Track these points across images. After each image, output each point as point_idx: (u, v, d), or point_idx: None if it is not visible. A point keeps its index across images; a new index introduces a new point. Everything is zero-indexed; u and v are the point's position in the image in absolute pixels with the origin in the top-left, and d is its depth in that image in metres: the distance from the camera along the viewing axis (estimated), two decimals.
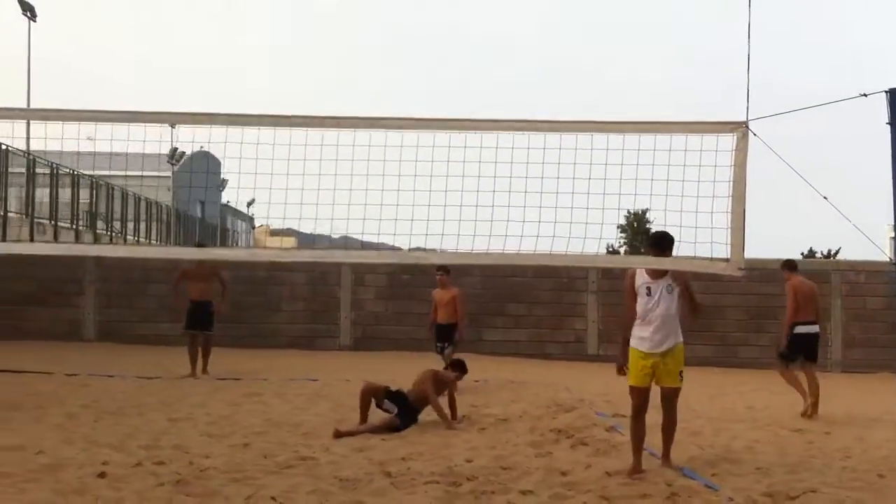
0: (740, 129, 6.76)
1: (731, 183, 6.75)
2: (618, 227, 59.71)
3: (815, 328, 12.15)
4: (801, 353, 11.99)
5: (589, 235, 6.89)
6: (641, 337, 7.52)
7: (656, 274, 7.50)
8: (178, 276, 15.26)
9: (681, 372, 7.60)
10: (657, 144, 6.85)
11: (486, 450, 8.69)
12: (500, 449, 8.75)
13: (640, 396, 7.54)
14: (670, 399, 7.65)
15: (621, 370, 7.74)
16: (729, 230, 6.78)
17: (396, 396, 10.07)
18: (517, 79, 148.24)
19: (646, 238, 7.86)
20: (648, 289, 7.49)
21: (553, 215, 6.87)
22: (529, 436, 9.37)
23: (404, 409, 9.98)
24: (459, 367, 11.00)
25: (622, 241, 63.83)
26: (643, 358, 7.49)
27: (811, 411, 11.59)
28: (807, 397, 11.73)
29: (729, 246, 6.79)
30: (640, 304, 7.52)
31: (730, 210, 6.77)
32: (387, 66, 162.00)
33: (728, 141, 6.81)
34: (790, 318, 12.02)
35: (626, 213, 59.39)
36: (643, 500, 6.53)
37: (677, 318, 7.56)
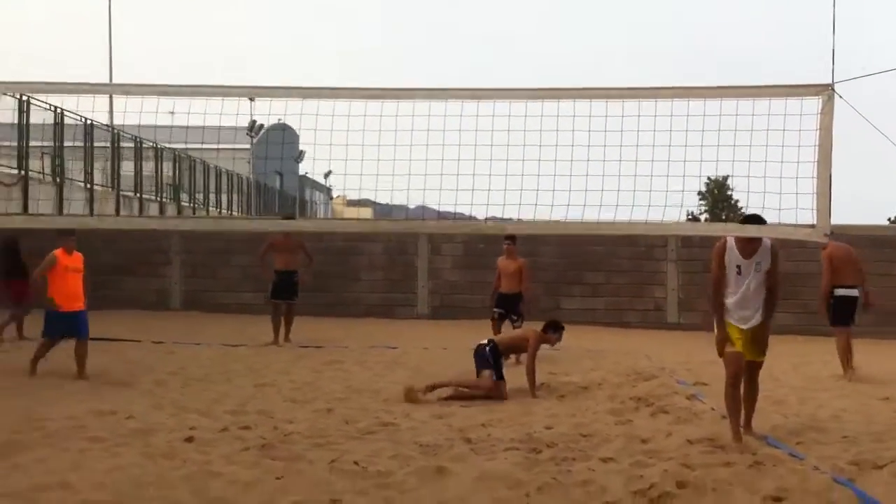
0: (826, 91, 6.58)
1: (817, 147, 6.59)
2: (698, 194, 58.92)
3: (854, 291, 11.90)
4: (849, 314, 11.77)
5: (669, 203, 6.83)
6: (730, 311, 7.44)
7: (747, 253, 7.35)
8: (265, 247, 15.51)
9: (764, 348, 7.54)
10: (739, 109, 6.73)
11: (566, 417, 8.70)
12: (580, 416, 8.76)
13: (738, 362, 7.41)
14: (752, 372, 7.60)
15: (722, 346, 7.52)
16: (815, 195, 6.63)
17: (493, 352, 10.18)
18: (517, 79, 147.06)
19: (739, 220, 7.65)
20: (738, 267, 7.36)
21: (632, 183, 6.81)
22: (609, 404, 9.34)
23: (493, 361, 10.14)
24: (555, 328, 10.66)
25: (703, 208, 62.86)
26: (733, 328, 7.44)
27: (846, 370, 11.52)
28: (847, 368, 11.64)
29: (815, 211, 6.64)
30: (730, 280, 7.42)
31: (815, 175, 6.61)
32: (386, 66, 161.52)
33: (813, 104, 6.65)
34: (825, 285, 11.84)
35: (706, 180, 58.48)
36: (726, 468, 6.46)
37: (763, 294, 7.45)
